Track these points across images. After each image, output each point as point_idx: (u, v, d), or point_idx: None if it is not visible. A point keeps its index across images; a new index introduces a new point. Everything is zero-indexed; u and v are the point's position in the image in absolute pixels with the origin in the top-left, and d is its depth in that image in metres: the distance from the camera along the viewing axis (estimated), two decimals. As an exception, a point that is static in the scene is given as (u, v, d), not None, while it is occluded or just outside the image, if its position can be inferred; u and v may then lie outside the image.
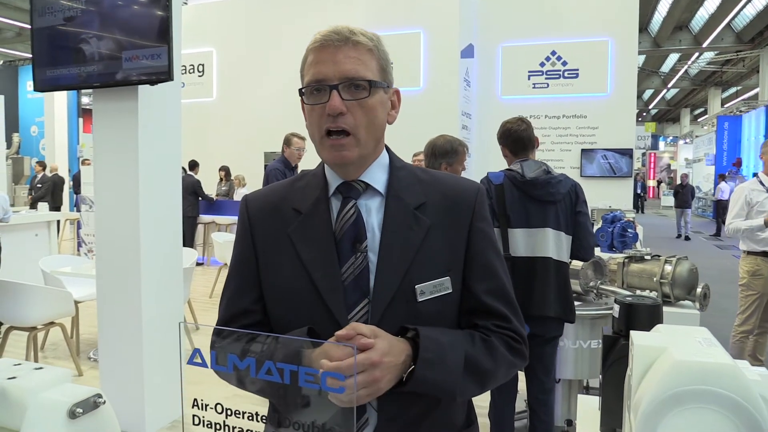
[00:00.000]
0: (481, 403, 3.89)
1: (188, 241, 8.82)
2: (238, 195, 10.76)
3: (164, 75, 3.13)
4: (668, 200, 24.36)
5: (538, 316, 2.65)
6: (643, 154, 35.56)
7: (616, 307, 1.42)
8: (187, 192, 9.65)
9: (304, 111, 1.12)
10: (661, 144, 37.15)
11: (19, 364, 0.89)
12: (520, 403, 3.16)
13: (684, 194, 15.47)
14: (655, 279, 3.57)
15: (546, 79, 10.87)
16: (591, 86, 10.54)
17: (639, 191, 24.55)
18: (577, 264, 3.23)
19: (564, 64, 10.71)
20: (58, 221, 8.33)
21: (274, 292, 1.12)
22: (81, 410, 0.80)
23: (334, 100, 1.04)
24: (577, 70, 10.61)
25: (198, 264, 8.14)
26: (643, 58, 22.61)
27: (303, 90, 1.10)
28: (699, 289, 3.50)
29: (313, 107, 1.08)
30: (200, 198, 9.64)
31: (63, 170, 15.12)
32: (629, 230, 4.79)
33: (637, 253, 3.82)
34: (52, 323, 4.34)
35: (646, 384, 1.05)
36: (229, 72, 11.60)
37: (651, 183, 34.24)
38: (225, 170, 11.06)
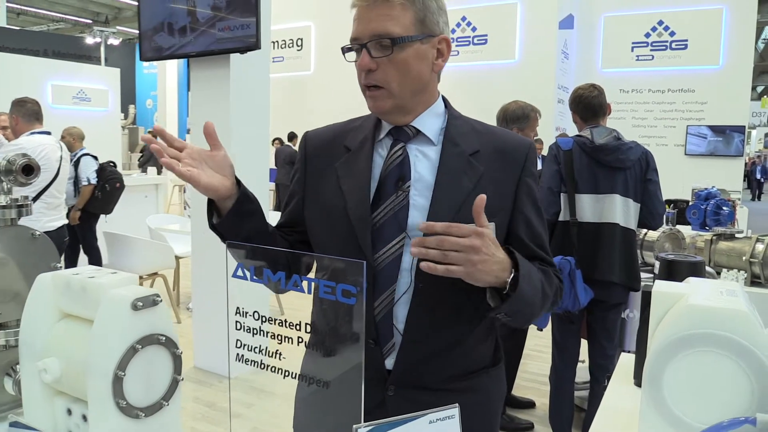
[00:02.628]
0: (542, 371, 3.89)
1: (282, 206, 9.26)
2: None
3: (253, 44, 3.34)
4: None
5: (602, 281, 2.66)
6: (766, 135, 32.61)
7: (657, 264, 1.43)
8: (284, 161, 10.12)
9: None
10: (788, 123, 33.85)
11: (99, 270, 1.08)
12: (583, 374, 3.15)
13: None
14: (744, 258, 3.38)
15: (651, 50, 10.27)
16: (701, 58, 9.85)
17: (759, 176, 22.31)
18: (653, 235, 3.15)
19: (672, 34, 10.06)
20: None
21: (314, 215, 1.25)
22: (141, 304, 0.96)
23: (364, 58, 1.14)
24: (686, 40, 9.94)
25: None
26: (768, 28, 20.66)
27: (345, 48, 1.19)
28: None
29: (355, 63, 1.18)
30: (296, 167, 10.09)
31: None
32: (724, 208, 4.52)
33: (727, 231, 3.63)
34: (156, 274, 4.79)
35: (660, 327, 1.08)
36: (326, 46, 11.89)
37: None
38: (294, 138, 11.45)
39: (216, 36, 3.45)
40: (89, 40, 16.70)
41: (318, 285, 0.93)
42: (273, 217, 1.32)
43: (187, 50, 3.58)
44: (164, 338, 1.01)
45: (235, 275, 1.03)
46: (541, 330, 3.21)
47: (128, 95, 15.89)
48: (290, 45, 12.39)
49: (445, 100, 1.28)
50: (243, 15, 3.33)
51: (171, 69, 16.54)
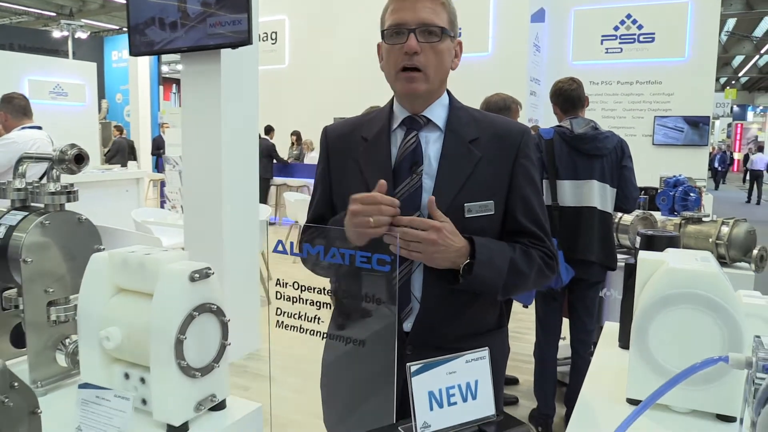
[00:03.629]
0: (525, 350, 4.09)
1: (261, 201, 9.34)
2: (309, 159, 11.19)
3: (244, 39, 3.44)
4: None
5: (582, 260, 2.86)
6: (729, 125, 33.47)
7: (638, 239, 1.60)
8: (262, 155, 10.15)
9: (380, 52, 1.36)
10: (750, 114, 34.84)
11: (151, 247, 1.20)
12: (565, 351, 3.35)
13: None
14: (711, 240, 3.61)
15: (620, 43, 10.55)
16: (667, 51, 10.17)
17: (717, 165, 22.58)
18: (627, 219, 3.35)
19: (639, 27, 10.36)
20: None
21: (341, 205, 1.38)
22: (197, 275, 1.09)
23: (411, 41, 1.27)
24: (654, 33, 10.25)
25: (270, 224, 8.63)
26: (733, 21, 21.27)
27: (385, 31, 1.32)
28: (756, 251, 3.52)
29: (392, 47, 1.31)
30: (274, 161, 10.13)
31: (146, 134, 16.05)
32: (691, 194, 4.77)
33: (694, 215, 3.85)
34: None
35: (645, 289, 1.24)
36: (301, 40, 11.93)
37: (737, 156, 32.20)
38: (296, 135, 11.51)
39: (206, 31, 3.53)
40: (56, 34, 16.37)
41: (355, 256, 1.06)
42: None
43: (178, 45, 3.65)
44: (215, 307, 1.14)
45: (275, 250, 1.16)
46: (527, 307, 3.39)
47: (98, 90, 15.66)
48: (264, 38, 12.38)
49: (449, 92, 1.43)
50: (233, 11, 3.42)
51: (143, 63, 16.33)
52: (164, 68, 20.26)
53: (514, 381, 3.78)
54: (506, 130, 1.39)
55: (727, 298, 1.14)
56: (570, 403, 3.05)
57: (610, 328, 1.73)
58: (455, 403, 0.84)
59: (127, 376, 1.18)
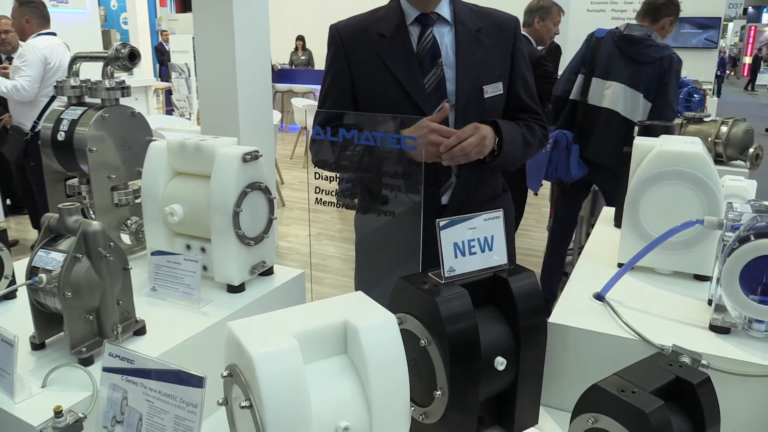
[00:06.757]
0: (529, 246, 4.33)
1: (320, 102, 9.18)
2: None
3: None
4: (763, 78, 22.60)
5: (593, 162, 2.97)
6: (742, 28, 32.34)
7: (637, 129, 1.75)
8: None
9: None
10: (765, 16, 33.61)
11: (204, 135, 1.36)
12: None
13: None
14: (710, 139, 3.73)
15: (632, -60, 10.14)
16: (681, -53, 9.78)
17: (718, 71, 21.86)
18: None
19: None
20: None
21: (369, 98, 1.51)
22: (249, 157, 1.25)
23: None
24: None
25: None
26: None
27: None
28: (752, 150, 3.66)
29: None
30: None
31: (146, 42, 15.72)
32: (695, 96, 4.84)
33: (696, 115, 3.95)
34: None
35: (639, 169, 1.41)
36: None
37: (747, 60, 31.34)
38: (302, 40, 11.29)
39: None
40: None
41: (386, 138, 1.22)
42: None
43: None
44: (264, 185, 1.31)
45: (314, 136, 1.31)
46: (536, 194, 3.60)
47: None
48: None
49: None
50: None
51: (136, -34, 15.74)
52: (158, -28, 19.47)
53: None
54: (503, 19, 1.57)
55: (709, 174, 1.31)
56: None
57: (607, 212, 1.92)
58: (475, 253, 1.02)
59: (188, 247, 1.38)
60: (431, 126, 1.32)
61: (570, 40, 6.11)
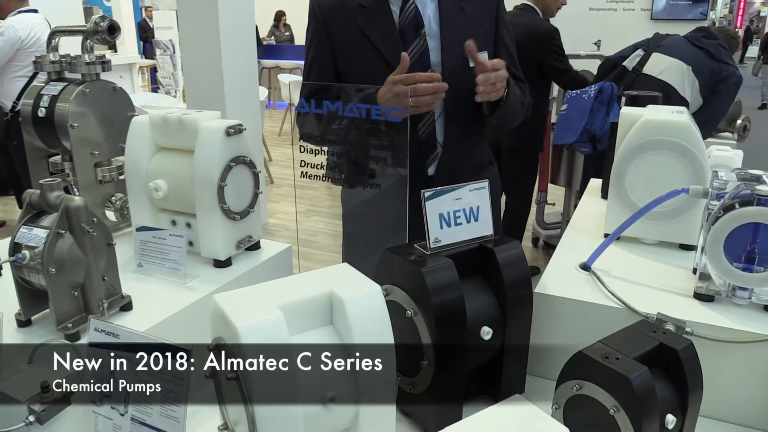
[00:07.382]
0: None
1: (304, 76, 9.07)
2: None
3: None
4: (753, 50, 22.54)
5: None
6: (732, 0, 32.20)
7: (624, 99, 1.74)
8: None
9: None
10: (755, -13, 33.42)
11: (185, 109, 1.34)
12: (553, 216, 3.59)
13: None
14: (695, 109, 3.74)
15: None
16: None
17: None
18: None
19: None
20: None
21: (351, 71, 1.49)
22: (232, 130, 1.23)
23: None
24: None
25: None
26: None
27: None
28: (739, 121, 3.67)
29: None
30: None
31: (129, 18, 15.43)
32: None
33: (684, 87, 3.95)
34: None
35: (625, 139, 1.41)
36: None
37: (739, 32, 31.20)
38: (284, 15, 11.12)
39: None
40: None
41: (370, 110, 1.21)
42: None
43: None
44: (248, 159, 1.30)
45: (298, 108, 1.30)
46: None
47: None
48: None
49: None
50: None
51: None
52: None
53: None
54: None
55: (695, 143, 1.31)
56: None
57: (595, 184, 1.92)
58: (461, 224, 1.02)
59: (173, 222, 1.37)
60: (394, 79, 1.29)
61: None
